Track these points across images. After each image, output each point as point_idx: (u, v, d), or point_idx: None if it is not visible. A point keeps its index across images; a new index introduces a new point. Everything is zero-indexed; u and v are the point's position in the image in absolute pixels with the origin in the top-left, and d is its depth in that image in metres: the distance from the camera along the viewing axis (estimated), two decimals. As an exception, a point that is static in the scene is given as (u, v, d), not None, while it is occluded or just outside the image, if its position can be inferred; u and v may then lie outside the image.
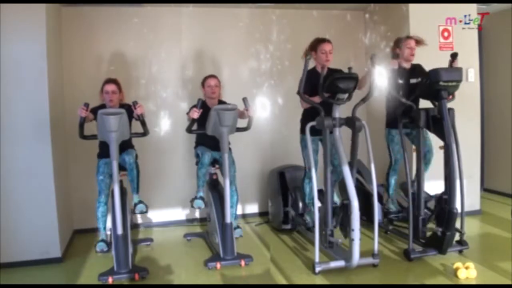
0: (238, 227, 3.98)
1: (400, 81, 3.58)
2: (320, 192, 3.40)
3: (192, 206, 3.87)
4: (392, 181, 3.87)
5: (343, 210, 3.21)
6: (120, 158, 3.43)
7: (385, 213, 3.94)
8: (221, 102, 3.81)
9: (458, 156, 3.28)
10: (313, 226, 3.69)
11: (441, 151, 3.36)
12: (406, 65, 3.71)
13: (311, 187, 3.66)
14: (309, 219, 3.79)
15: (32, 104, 3.37)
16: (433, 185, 3.72)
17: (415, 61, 3.75)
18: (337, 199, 3.68)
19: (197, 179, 3.76)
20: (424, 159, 3.59)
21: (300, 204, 3.95)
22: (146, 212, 3.74)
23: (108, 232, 3.63)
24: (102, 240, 3.67)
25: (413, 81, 3.62)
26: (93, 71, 4.18)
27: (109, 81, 3.60)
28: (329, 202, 3.23)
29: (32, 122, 3.37)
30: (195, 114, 3.47)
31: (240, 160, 3.91)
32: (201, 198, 3.76)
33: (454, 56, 3.44)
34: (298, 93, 3.34)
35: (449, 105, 3.33)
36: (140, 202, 3.70)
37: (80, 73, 4.21)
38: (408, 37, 3.71)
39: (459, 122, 3.39)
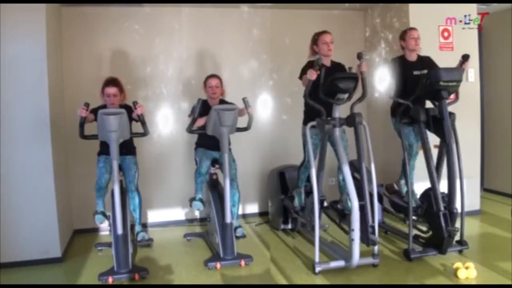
0: (239, 226, 3.97)
1: (398, 74, 3.52)
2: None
3: (190, 206, 3.86)
4: (409, 166, 3.55)
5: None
6: (121, 161, 3.41)
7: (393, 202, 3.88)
8: (222, 101, 3.80)
9: (458, 156, 3.28)
10: (301, 209, 3.78)
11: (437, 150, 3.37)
12: (411, 58, 3.63)
13: (306, 175, 3.71)
14: (297, 201, 3.79)
15: (32, 104, 3.36)
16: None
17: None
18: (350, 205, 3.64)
19: (195, 184, 3.76)
20: (410, 153, 3.57)
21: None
22: (148, 240, 3.72)
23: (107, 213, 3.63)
24: (101, 212, 3.61)
25: (416, 73, 3.54)
26: (93, 71, 4.18)
27: (110, 82, 3.51)
28: (317, 198, 3.17)
29: (32, 122, 3.36)
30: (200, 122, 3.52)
31: (240, 160, 3.91)
32: (200, 200, 3.76)
33: (466, 57, 3.39)
34: (300, 78, 3.45)
35: (450, 108, 3.32)
36: (142, 231, 3.76)
37: (80, 73, 4.21)
38: (411, 29, 3.65)
39: (459, 122, 3.39)
